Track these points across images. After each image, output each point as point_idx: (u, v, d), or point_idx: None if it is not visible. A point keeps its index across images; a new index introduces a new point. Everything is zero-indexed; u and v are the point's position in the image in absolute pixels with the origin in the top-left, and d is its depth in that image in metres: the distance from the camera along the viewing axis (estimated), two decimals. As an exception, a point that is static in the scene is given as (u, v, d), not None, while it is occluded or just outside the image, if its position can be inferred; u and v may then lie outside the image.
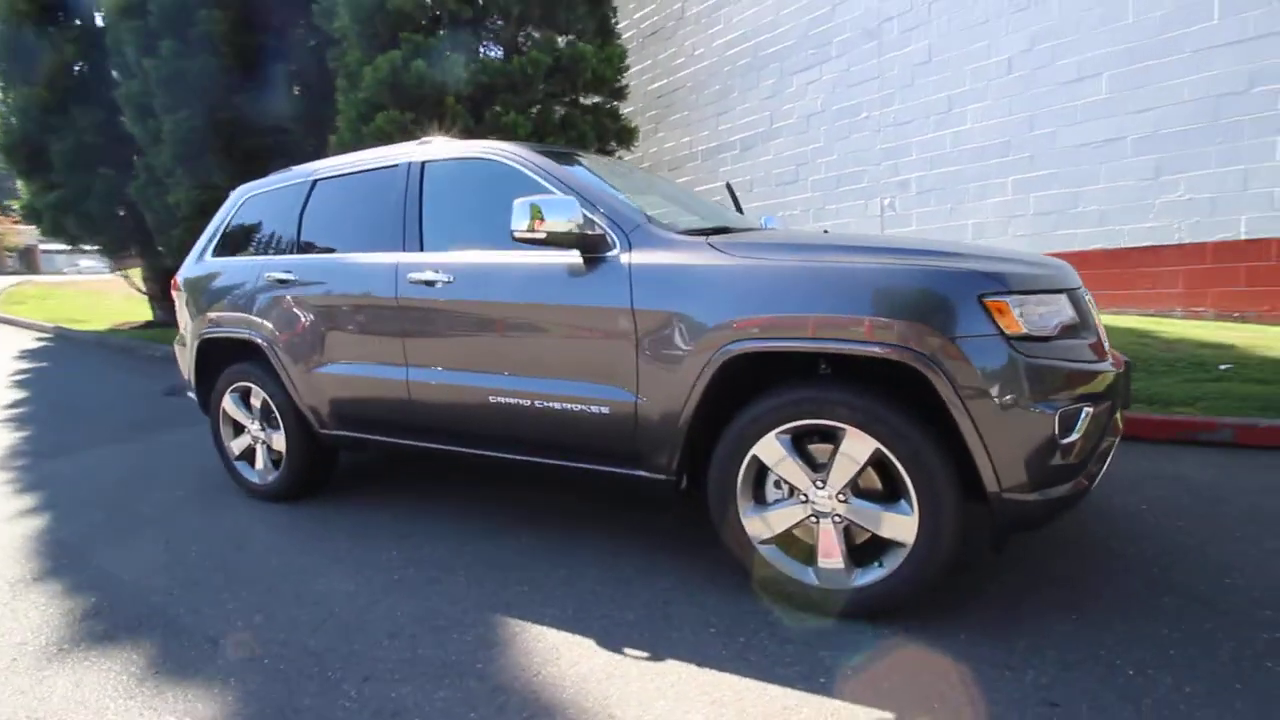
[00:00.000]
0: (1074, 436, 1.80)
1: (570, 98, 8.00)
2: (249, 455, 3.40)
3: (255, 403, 3.25)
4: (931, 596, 1.96)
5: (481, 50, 7.46)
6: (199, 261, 3.52)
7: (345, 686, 1.81)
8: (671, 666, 1.82)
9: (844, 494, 1.94)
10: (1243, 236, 5.20)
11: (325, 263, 2.94)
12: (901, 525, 1.86)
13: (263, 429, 3.28)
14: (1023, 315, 1.78)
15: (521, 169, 2.53)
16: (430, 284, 2.59)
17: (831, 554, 1.97)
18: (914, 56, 7.19)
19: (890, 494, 1.92)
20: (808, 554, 2.04)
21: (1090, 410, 1.82)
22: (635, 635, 1.97)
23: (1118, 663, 1.70)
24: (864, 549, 1.99)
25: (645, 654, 1.88)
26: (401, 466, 3.77)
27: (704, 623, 2.02)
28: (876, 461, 1.89)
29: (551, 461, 2.45)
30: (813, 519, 1.99)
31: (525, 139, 7.03)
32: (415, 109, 6.91)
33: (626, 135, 8.37)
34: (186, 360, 3.54)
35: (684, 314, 2.07)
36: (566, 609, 2.14)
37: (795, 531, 2.05)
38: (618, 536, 2.66)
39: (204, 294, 3.42)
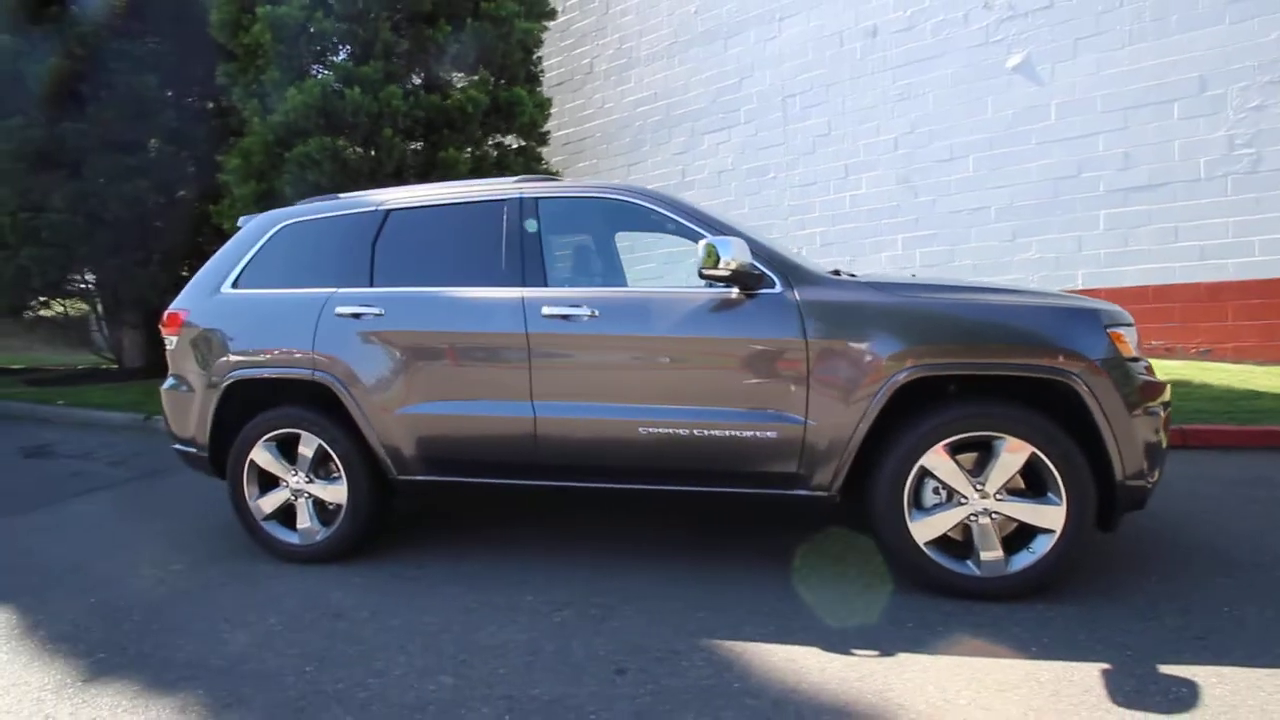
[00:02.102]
0: (1163, 433, 2.35)
1: (497, 139, 8.03)
2: (284, 514, 2.99)
3: (305, 451, 2.90)
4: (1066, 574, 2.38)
5: (413, 85, 7.24)
6: (215, 294, 3.08)
7: (666, 716, 1.76)
8: (904, 659, 2.02)
9: (1000, 494, 2.31)
10: (1080, 287, 6.69)
11: (425, 297, 2.77)
12: (1052, 515, 2.27)
13: (309, 481, 2.92)
14: (1130, 341, 2.32)
15: (659, 209, 2.67)
16: (568, 318, 2.59)
17: (991, 547, 2.32)
18: (815, 129, 8.28)
19: (1034, 490, 2.33)
20: (962, 550, 2.37)
21: (1168, 411, 2.39)
22: (848, 638, 2.14)
23: (1225, 609, 2.22)
24: (1007, 540, 2.37)
25: (874, 652, 2.06)
26: (424, 512, 3.52)
27: (896, 620, 2.24)
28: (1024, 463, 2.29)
29: (702, 489, 2.55)
30: (972, 518, 2.33)
31: (464, 177, 6.92)
32: (348, 137, 6.51)
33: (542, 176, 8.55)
34: (195, 409, 3.04)
35: (859, 345, 2.35)
36: (766, 627, 2.24)
37: (950, 532, 2.38)
38: (731, 556, 2.78)
39: (230, 330, 3.00)
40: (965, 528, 2.36)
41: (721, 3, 8.93)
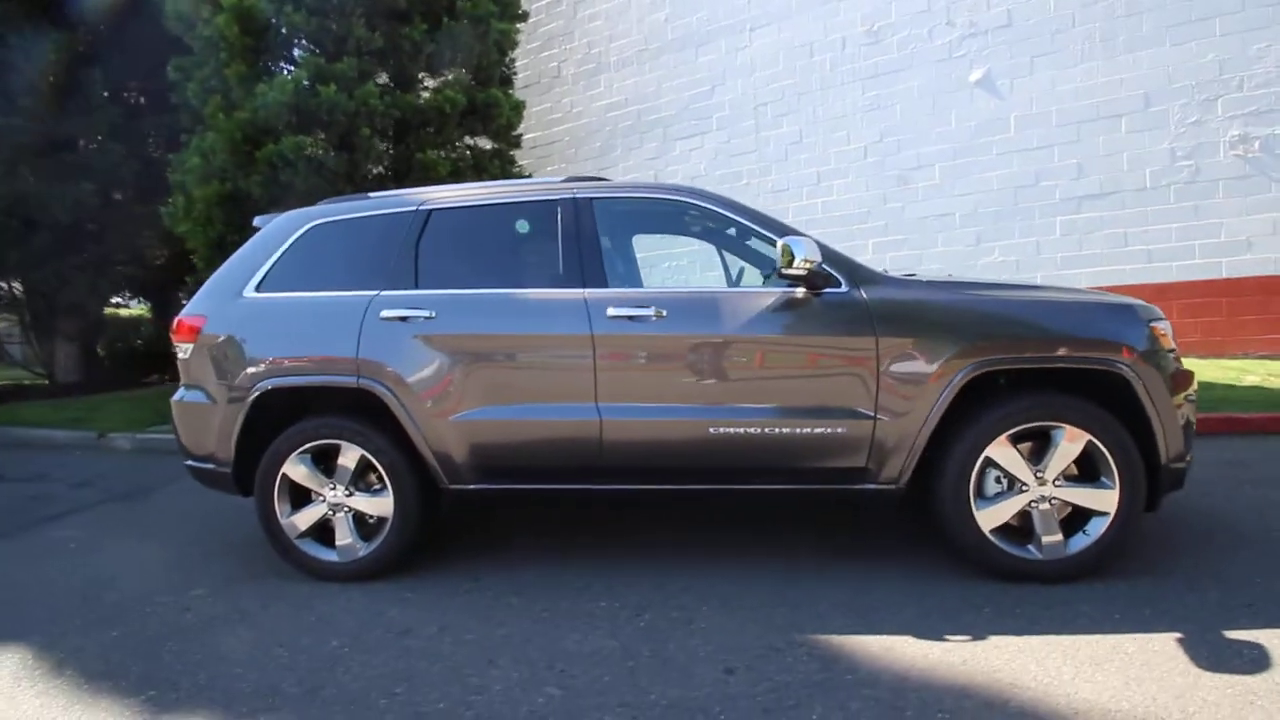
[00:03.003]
0: (1193, 417, 2.54)
1: (470, 142, 7.87)
2: (319, 530, 2.83)
3: (346, 463, 2.75)
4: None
5: (389, 84, 7.00)
6: (238, 299, 2.89)
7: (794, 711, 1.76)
8: (995, 641, 2.09)
9: (1059, 480, 2.44)
10: (1039, 289, 7.18)
11: (480, 299, 2.69)
12: (1107, 498, 2.41)
13: (348, 494, 2.77)
14: (1168, 335, 2.50)
15: (725, 212, 2.69)
16: (634, 319, 2.57)
17: (1052, 531, 2.44)
18: (787, 136, 8.51)
19: (1087, 475, 2.47)
20: (1022, 536, 2.49)
21: (1196, 397, 2.59)
22: (934, 625, 2.20)
23: (1257, 580, 2.41)
24: (1063, 524, 2.50)
25: (966, 636, 2.13)
26: (458, 524, 3.41)
27: (972, 606, 2.32)
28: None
29: (771, 487, 2.58)
30: (1032, 504, 2.45)
31: (443, 179, 6.75)
32: (322, 137, 6.22)
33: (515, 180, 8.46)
34: (216, 422, 2.83)
35: (926, 342, 2.43)
36: (851, 619, 2.28)
37: (1011, 519, 2.49)
38: (791, 553, 2.81)
39: (258, 337, 2.82)
40: (1024, 514, 2.47)
41: (692, 11, 9.06)
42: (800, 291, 2.51)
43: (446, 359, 2.67)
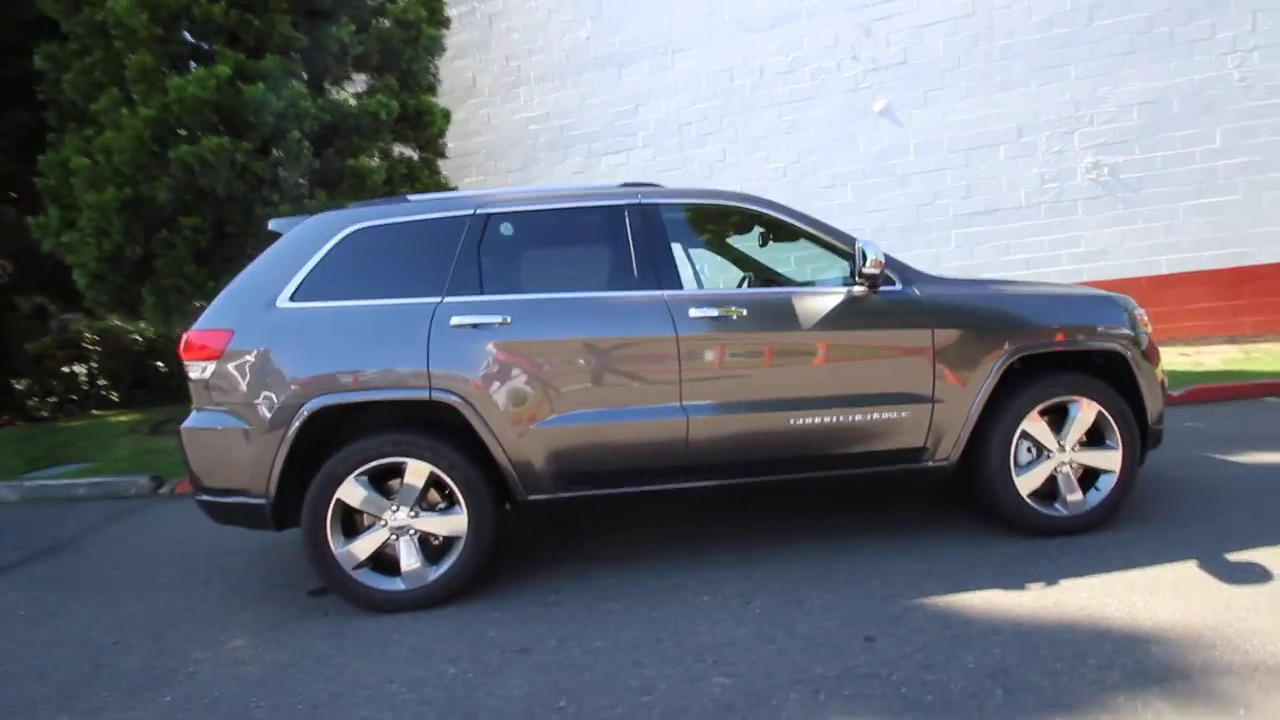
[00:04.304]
0: (1165, 386, 3.08)
1: (399, 150, 7.51)
2: (378, 558, 2.61)
3: (414, 481, 2.57)
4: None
5: (319, 86, 6.51)
6: (270, 309, 2.61)
7: (951, 665, 1.92)
8: (1067, 585, 2.40)
9: (1075, 446, 2.85)
10: (941, 294, 8.12)
11: (558, 303, 2.64)
12: (1114, 458, 2.85)
13: (413, 515, 2.60)
14: (1145, 319, 3.01)
15: (786, 218, 2.87)
16: (716, 319, 2.66)
17: (1073, 490, 2.85)
18: (711, 155, 8.95)
19: (1094, 441, 2.91)
20: (1048, 497, 2.87)
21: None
22: (1010, 578, 2.48)
23: (1217, 517, 2.96)
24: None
25: (1043, 584, 2.43)
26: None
27: (1027, 559, 2.63)
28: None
29: (845, 472, 2.77)
30: (1058, 469, 2.84)
31: (379, 188, 6.41)
32: (246, 138, 5.66)
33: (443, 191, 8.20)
34: (251, 448, 2.53)
35: (974, 330, 2.75)
36: (941, 583, 2.49)
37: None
38: (843, 534, 3.02)
39: (302, 350, 2.56)
40: (1051, 478, 2.86)
41: (614, 32, 9.29)
42: (862, 289, 2.75)
43: (526, 365, 2.59)
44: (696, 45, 8.88)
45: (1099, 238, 7.44)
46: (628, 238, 2.76)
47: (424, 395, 2.53)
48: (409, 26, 6.96)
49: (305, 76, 6.52)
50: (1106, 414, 2.82)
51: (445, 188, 8.02)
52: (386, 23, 6.93)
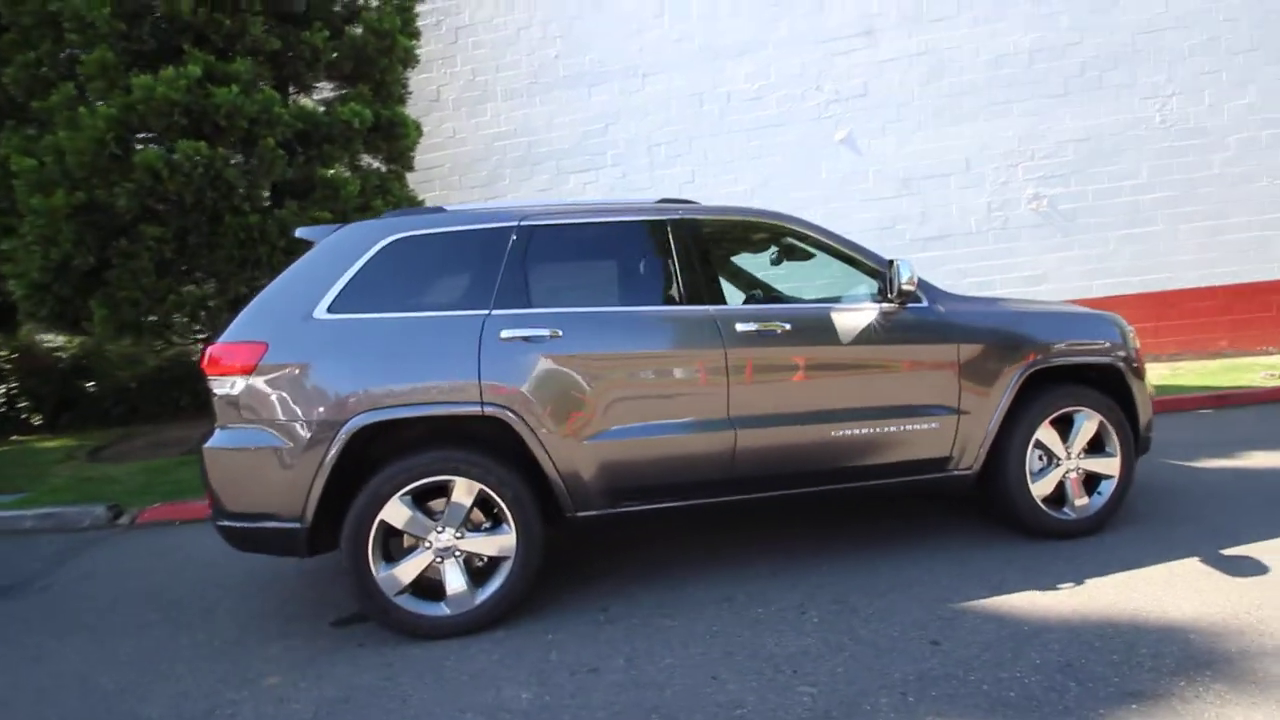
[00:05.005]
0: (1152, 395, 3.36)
1: (370, 161, 7.31)
2: (421, 582, 2.50)
3: (462, 500, 2.49)
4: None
5: (290, 91, 6.25)
6: (307, 320, 2.48)
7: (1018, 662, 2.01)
8: (1095, 583, 2.57)
9: (1081, 454, 3.07)
10: (900, 313, 8.55)
11: (609, 316, 2.63)
12: (1113, 464, 3.08)
13: (459, 536, 2.51)
14: (1135, 335, 3.29)
15: (819, 236, 2.98)
16: (761, 334, 2.72)
17: (1080, 495, 3.05)
18: (680, 176, 9.13)
19: (1094, 449, 3.13)
20: (1057, 502, 3.07)
21: (1148, 382, 3.43)
22: (1042, 579, 2.63)
23: (1203, 516, 3.24)
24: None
25: (1072, 583, 2.59)
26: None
27: (1046, 560, 2.80)
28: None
29: (880, 482, 2.88)
30: (1066, 475, 3.05)
31: (352, 199, 6.22)
32: (212, 142, 5.36)
33: (413, 206, 8.03)
34: (289, 469, 2.38)
35: (995, 345, 2.93)
36: (979, 588, 2.62)
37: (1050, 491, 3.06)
38: (869, 543, 3.13)
39: (345, 364, 2.45)
40: (1060, 484, 3.06)
41: (583, 51, 9.38)
42: (894, 306, 2.88)
43: (578, 379, 2.57)
44: (666, 69, 9.09)
45: (1040, 263, 8.03)
46: (671, 252, 2.79)
47: (476, 410, 2.47)
48: (383, 35, 6.81)
49: (273, 82, 6.26)
50: (1107, 423, 3.06)
51: (415, 201, 7.87)
52: (359, 30, 6.76)
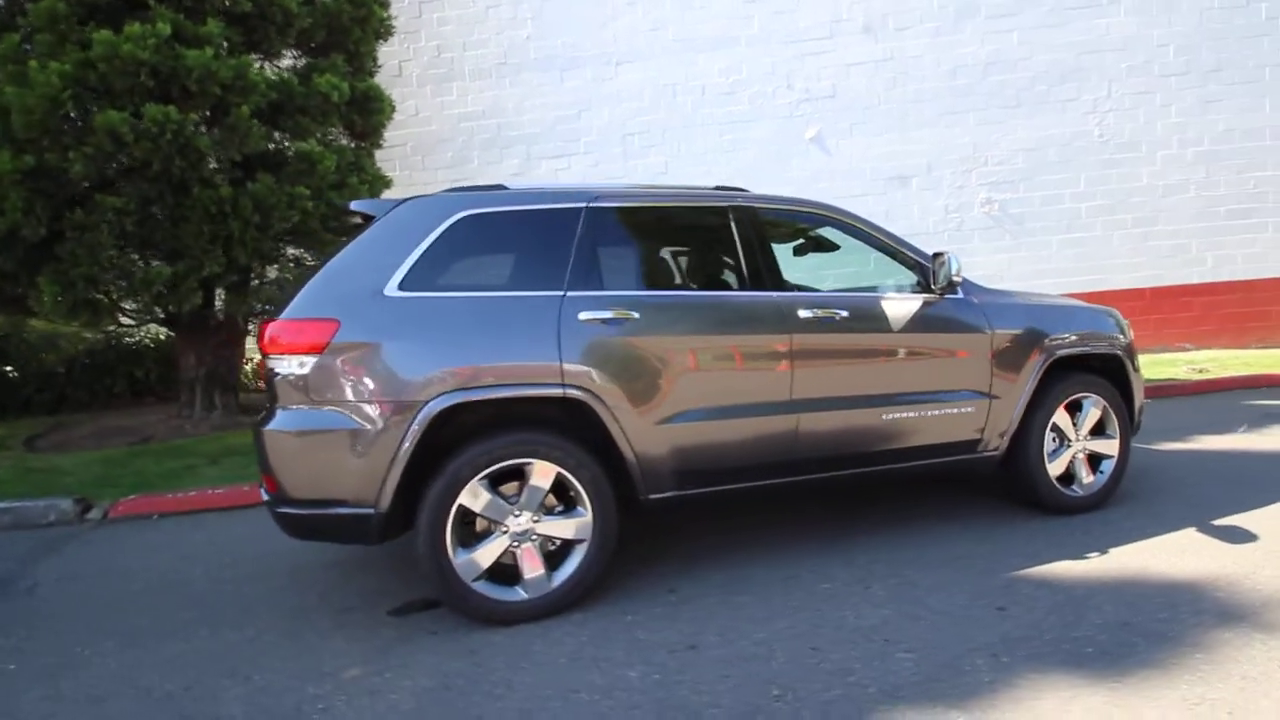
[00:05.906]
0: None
1: (334, 135, 6.93)
2: (499, 567, 2.45)
3: (540, 483, 2.45)
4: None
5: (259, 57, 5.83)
6: (378, 297, 2.36)
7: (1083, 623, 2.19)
8: (1116, 552, 2.83)
9: (1087, 436, 3.35)
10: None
11: (683, 300, 2.66)
12: (1113, 445, 3.38)
13: (536, 519, 2.48)
14: (1129, 327, 3.60)
15: (866, 229, 3.14)
16: (822, 320, 2.82)
17: (1088, 475, 3.34)
18: (655, 166, 9.14)
19: (1095, 431, 3.43)
20: (1066, 480, 3.34)
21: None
22: (1072, 549, 2.86)
23: (1186, 492, 3.61)
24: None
25: (1097, 552, 2.84)
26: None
27: (1066, 532, 3.06)
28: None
29: (922, 462, 3.04)
30: (1075, 455, 3.32)
31: (330, 176, 5.91)
32: (180, 107, 4.95)
33: (382, 185, 7.69)
34: (366, 452, 2.28)
35: (1025, 333, 3.16)
36: (1018, 558, 2.82)
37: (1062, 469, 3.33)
38: (900, 523, 3.31)
39: (423, 343, 2.36)
40: (1070, 463, 3.33)
41: (555, 34, 9.22)
42: (934, 297, 3.05)
43: (654, 362, 2.58)
44: (640, 58, 9.07)
45: (991, 263, 8.58)
46: (734, 238, 2.84)
47: (557, 391, 2.43)
48: (359, 4, 6.47)
49: (242, 47, 5.82)
50: (1109, 407, 3.35)
51: (387, 180, 7.54)
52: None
